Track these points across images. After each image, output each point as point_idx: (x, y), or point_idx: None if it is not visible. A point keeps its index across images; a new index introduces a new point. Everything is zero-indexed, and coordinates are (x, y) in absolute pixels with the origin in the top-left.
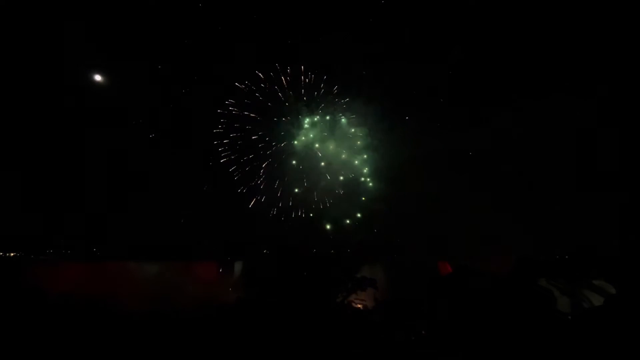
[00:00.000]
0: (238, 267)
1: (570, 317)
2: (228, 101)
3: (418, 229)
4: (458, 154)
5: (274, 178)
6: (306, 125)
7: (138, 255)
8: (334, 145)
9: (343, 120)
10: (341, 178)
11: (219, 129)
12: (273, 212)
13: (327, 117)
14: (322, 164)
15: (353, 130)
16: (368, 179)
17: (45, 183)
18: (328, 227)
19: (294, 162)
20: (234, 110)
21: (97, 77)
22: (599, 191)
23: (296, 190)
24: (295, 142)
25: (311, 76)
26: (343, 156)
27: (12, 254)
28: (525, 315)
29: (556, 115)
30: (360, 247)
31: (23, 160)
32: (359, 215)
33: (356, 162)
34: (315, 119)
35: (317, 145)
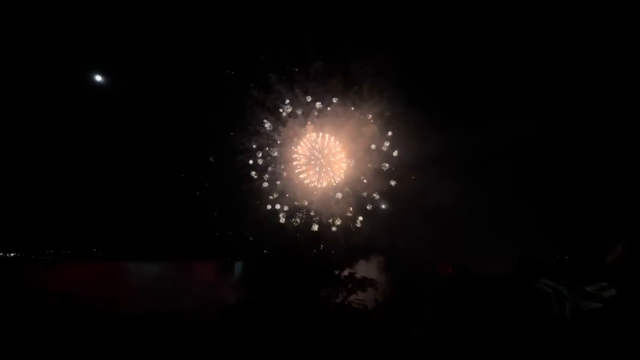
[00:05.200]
0: (238, 267)
1: (570, 318)
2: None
3: (418, 229)
4: (460, 154)
5: (275, 177)
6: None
7: (138, 255)
8: (338, 144)
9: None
10: (343, 177)
11: (221, 128)
12: (272, 211)
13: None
14: (324, 161)
15: (358, 129)
16: (370, 178)
17: (45, 183)
18: (328, 227)
19: (296, 161)
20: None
21: (100, 78)
22: (600, 192)
23: (297, 190)
24: (299, 141)
25: (322, 73)
26: (346, 155)
27: (12, 254)
28: (525, 315)
29: (558, 117)
30: (360, 248)
31: (23, 160)
32: (359, 214)
33: (358, 161)
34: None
35: (320, 144)
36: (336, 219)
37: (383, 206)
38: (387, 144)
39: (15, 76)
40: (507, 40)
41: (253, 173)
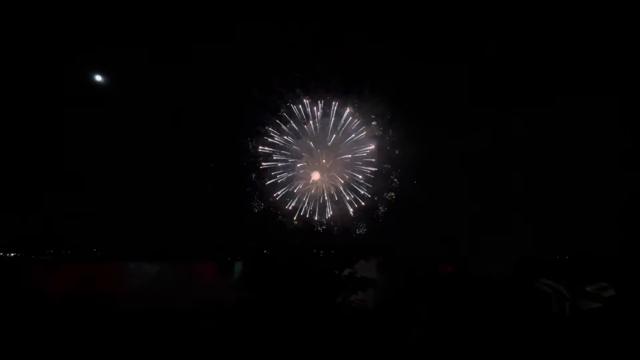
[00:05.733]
0: (238, 267)
1: (570, 318)
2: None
3: (419, 229)
4: (460, 153)
5: (275, 177)
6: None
7: (138, 255)
8: (339, 144)
9: (350, 118)
10: (344, 176)
11: (221, 131)
12: (273, 211)
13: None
14: (325, 162)
15: (360, 129)
16: (371, 178)
17: (45, 183)
18: (329, 226)
19: (297, 160)
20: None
21: (100, 78)
22: (600, 192)
23: (298, 189)
24: (300, 141)
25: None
26: (347, 155)
27: (12, 254)
28: (525, 315)
29: (559, 117)
30: (360, 247)
31: (23, 160)
32: (359, 214)
33: (359, 161)
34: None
35: (321, 144)
36: (336, 219)
37: (383, 206)
38: (387, 145)
39: (15, 76)
40: (508, 39)
41: (253, 175)
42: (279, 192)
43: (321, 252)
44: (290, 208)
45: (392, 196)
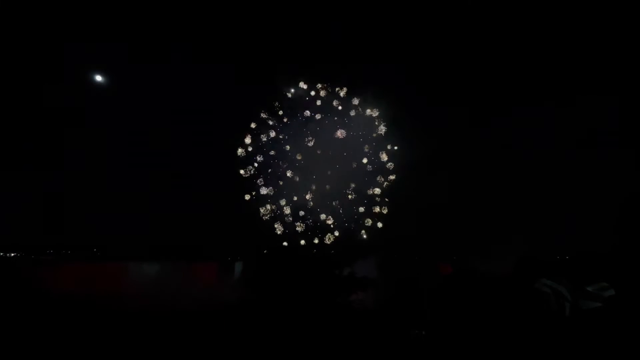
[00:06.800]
0: (238, 267)
1: (570, 319)
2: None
3: (419, 229)
4: (460, 153)
5: (275, 177)
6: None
7: (138, 255)
8: (340, 143)
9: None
10: (345, 176)
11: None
12: (274, 212)
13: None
14: (326, 164)
15: (361, 129)
16: (371, 178)
17: (45, 183)
18: (328, 228)
19: (298, 157)
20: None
21: (101, 77)
22: (600, 192)
23: (298, 189)
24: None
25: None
26: (348, 154)
27: (12, 254)
28: (525, 315)
29: (558, 116)
30: (360, 247)
31: (23, 160)
32: (360, 214)
33: (360, 161)
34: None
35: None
36: (336, 220)
37: (383, 206)
38: (388, 145)
39: (15, 76)
40: (507, 40)
41: (252, 172)
42: (280, 195)
43: (321, 252)
44: (290, 209)
45: (391, 196)
